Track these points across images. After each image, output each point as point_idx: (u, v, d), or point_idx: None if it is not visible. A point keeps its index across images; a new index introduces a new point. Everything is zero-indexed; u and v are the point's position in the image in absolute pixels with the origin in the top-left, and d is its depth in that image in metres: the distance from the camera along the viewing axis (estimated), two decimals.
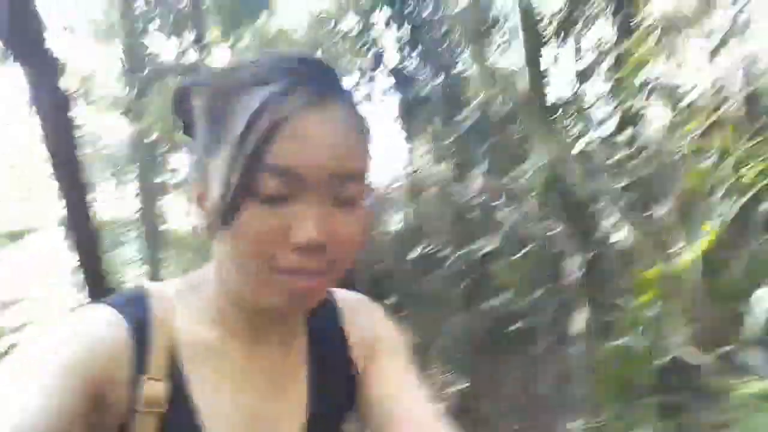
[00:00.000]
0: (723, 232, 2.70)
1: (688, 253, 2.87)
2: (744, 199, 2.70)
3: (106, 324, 0.59)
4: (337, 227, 0.58)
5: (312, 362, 0.72)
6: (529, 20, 4.22)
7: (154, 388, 0.59)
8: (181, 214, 8.80)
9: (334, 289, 0.77)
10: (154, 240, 8.89)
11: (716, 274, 2.81)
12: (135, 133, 8.58)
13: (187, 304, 0.65)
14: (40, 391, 0.52)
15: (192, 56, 8.25)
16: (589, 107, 4.60)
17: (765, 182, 2.64)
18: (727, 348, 2.47)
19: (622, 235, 3.35)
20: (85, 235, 3.57)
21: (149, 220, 8.94)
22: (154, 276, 8.23)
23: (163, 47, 8.93)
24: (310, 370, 0.71)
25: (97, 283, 3.57)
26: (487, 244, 4.48)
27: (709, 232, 2.78)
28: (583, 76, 4.84)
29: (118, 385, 0.58)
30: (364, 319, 0.77)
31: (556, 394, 3.66)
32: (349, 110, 0.59)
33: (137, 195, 9.26)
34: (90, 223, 3.59)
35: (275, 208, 0.56)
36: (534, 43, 4.21)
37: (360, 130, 0.60)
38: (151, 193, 9.10)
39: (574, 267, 3.70)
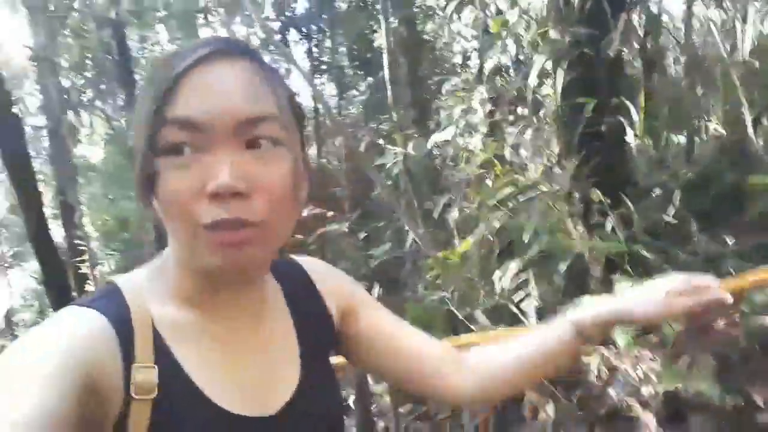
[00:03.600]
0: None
1: (462, 246, 4.09)
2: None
3: (87, 322, 0.59)
4: (255, 172, 0.58)
5: (297, 326, 0.75)
6: None
7: (146, 374, 0.60)
8: None
9: (298, 257, 0.82)
10: None
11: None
12: None
13: (157, 290, 0.66)
14: (39, 392, 0.51)
15: None
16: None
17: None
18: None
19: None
20: None
21: None
22: None
23: None
24: (297, 332, 0.74)
25: None
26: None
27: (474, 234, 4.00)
28: None
29: (110, 378, 0.58)
30: (334, 277, 0.83)
31: None
32: (252, 62, 0.61)
33: None
34: None
35: (189, 163, 0.57)
36: None
37: (266, 78, 0.61)
38: None
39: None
